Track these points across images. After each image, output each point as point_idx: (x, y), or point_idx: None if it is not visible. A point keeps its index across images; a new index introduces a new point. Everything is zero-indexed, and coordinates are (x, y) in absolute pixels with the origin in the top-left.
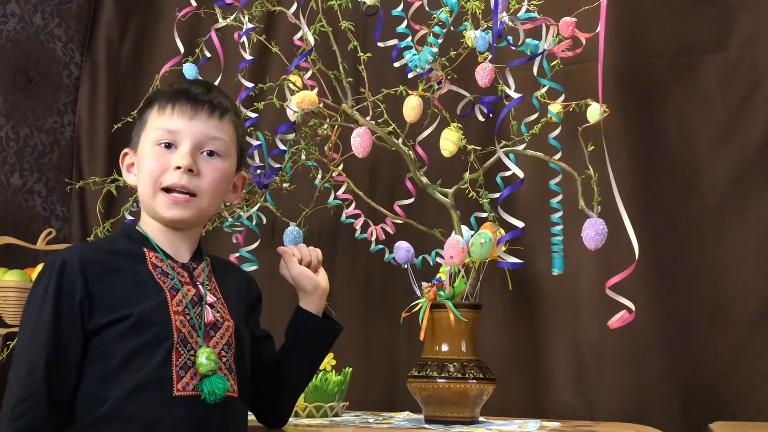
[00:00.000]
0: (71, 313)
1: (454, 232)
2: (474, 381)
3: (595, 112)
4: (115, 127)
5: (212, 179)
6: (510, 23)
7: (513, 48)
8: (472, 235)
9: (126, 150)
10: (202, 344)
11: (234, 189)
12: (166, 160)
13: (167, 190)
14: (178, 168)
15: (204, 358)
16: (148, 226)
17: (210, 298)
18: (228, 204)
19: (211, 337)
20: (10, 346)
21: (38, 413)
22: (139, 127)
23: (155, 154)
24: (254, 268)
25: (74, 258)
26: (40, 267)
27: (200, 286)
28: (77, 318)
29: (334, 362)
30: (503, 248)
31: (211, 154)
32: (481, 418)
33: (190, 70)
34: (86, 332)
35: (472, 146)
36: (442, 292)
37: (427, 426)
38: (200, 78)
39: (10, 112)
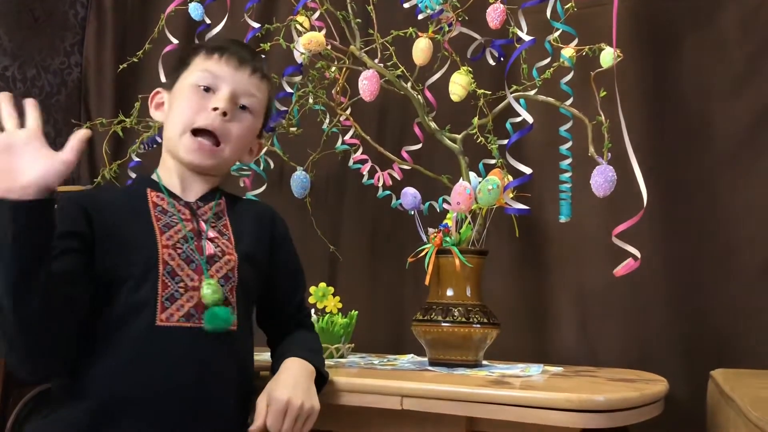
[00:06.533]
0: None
1: (461, 179)
2: (478, 325)
3: (608, 56)
4: (121, 67)
5: (241, 130)
6: None
7: None
8: (479, 182)
9: (158, 89)
10: (206, 276)
11: (250, 152)
12: (203, 102)
13: (196, 132)
14: (215, 109)
15: (209, 289)
16: (163, 165)
17: (211, 233)
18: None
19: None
20: None
21: None
22: (179, 69)
23: (193, 94)
24: None
25: (73, 197)
26: None
27: (202, 223)
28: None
29: (340, 305)
30: (510, 195)
31: (244, 108)
32: (484, 362)
33: (195, 10)
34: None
35: (482, 91)
36: (448, 238)
37: (431, 368)
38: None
39: (16, 51)
